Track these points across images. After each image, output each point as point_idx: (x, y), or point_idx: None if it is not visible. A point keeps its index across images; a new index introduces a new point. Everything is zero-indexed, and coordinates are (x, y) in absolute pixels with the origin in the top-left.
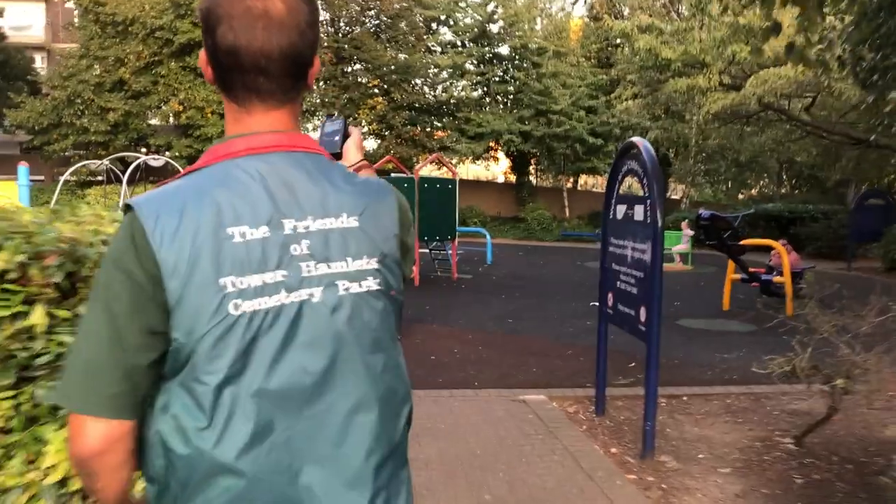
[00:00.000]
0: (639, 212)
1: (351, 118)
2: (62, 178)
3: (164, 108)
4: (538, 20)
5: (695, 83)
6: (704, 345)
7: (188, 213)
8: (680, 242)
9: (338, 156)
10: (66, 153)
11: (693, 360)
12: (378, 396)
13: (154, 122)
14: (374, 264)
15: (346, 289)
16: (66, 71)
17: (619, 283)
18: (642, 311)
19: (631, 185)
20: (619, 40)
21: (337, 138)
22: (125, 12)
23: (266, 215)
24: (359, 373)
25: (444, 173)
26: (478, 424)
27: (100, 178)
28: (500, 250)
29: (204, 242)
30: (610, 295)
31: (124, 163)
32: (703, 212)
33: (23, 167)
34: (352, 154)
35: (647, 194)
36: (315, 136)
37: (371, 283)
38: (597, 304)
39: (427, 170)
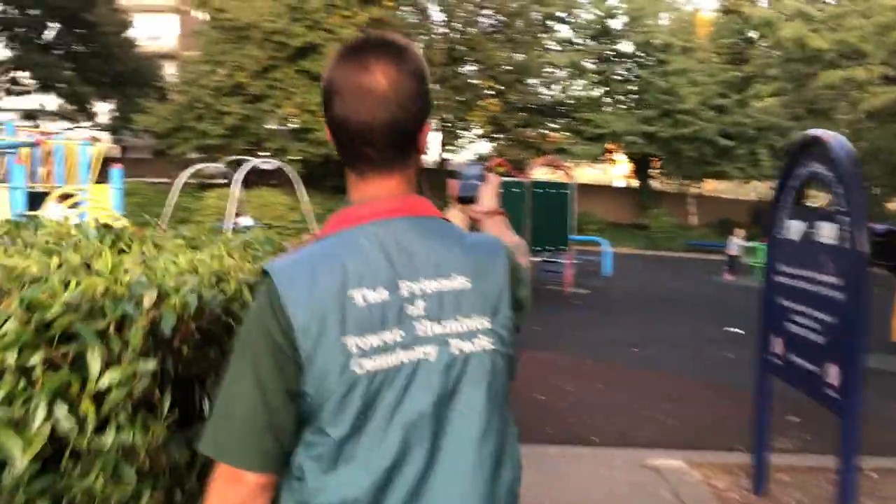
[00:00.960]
0: (827, 232)
1: (461, 132)
2: (178, 182)
3: (279, 112)
4: (664, 14)
5: (851, 75)
6: (887, 392)
7: (318, 278)
8: (760, 255)
9: (473, 200)
10: (190, 156)
11: (875, 414)
12: (489, 453)
13: (270, 126)
14: (486, 323)
15: (460, 348)
16: (188, 76)
17: (792, 325)
18: (832, 371)
19: (812, 194)
20: (757, 31)
21: (476, 183)
22: (243, 17)
23: (385, 278)
24: (471, 430)
25: (558, 177)
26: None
27: (220, 180)
28: (618, 261)
29: (331, 305)
30: (778, 341)
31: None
32: (878, 226)
33: (116, 169)
34: (486, 200)
35: (841, 208)
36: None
37: (483, 342)
38: (734, 329)
39: (540, 173)
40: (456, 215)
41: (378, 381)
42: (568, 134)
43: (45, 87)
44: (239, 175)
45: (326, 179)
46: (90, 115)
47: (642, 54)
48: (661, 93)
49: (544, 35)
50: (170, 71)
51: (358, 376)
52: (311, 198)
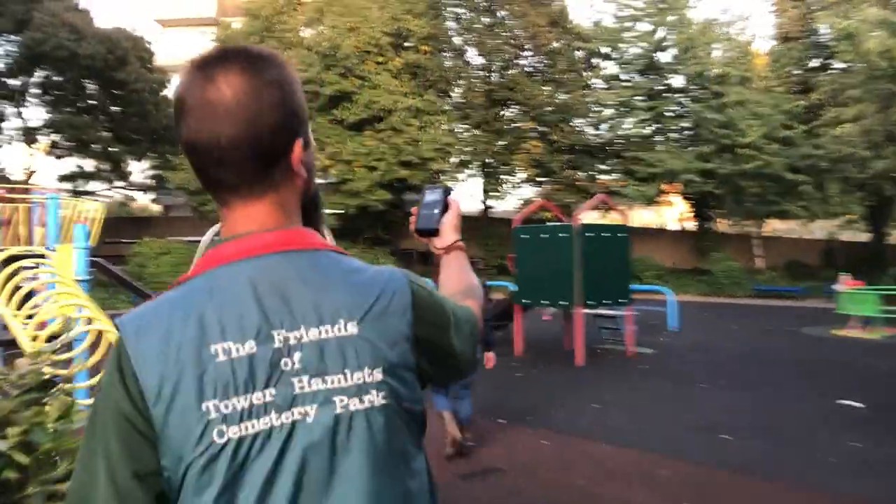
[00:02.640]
0: None
1: (504, 177)
2: (204, 240)
3: None
4: (716, 45)
5: None
6: None
7: (172, 332)
8: (872, 303)
9: (434, 232)
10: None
11: None
12: None
13: None
14: (378, 376)
15: (345, 405)
16: None
17: None
18: None
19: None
20: (829, 49)
21: (436, 211)
22: None
23: (254, 328)
24: (358, 499)
25: (610, 220)
26: None
27: None
28: (682, 310)
29: (187, 363)
30: None
31: None
32: None
33: (80, 225)
34: (447, 232)
35: None
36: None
37: (375, 398)
38: (850, 402)
39: (588, 217)
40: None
41: (245, 450)
42: (618, 175)
43: (80, 149)
44: None
45: (364, 231)
46: (124, 175)
47: (695, 87)
48: (719, 127)
49: (589, 73)
50: None
51: (220, 445)
52: (347, 249)
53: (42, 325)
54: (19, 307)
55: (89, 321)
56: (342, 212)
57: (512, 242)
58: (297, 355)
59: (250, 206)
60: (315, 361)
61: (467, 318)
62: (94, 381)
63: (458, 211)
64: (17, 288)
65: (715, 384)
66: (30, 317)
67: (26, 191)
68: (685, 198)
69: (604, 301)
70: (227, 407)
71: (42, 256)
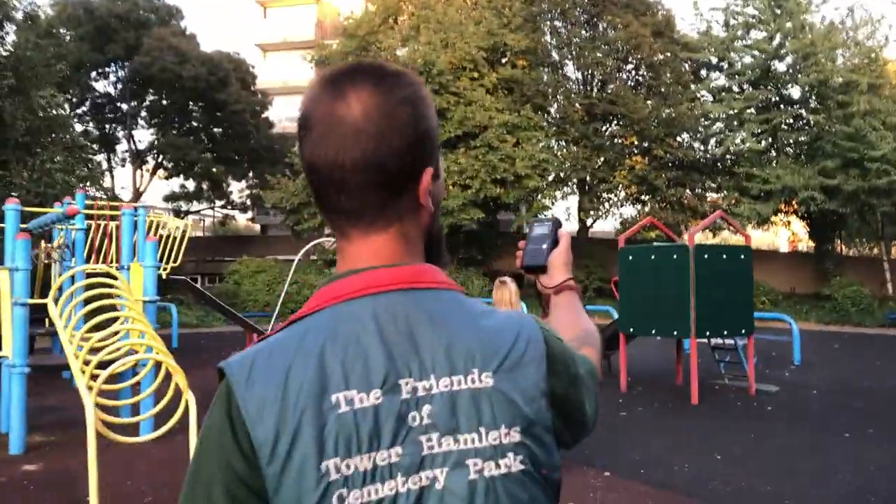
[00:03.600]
0: None
1: (605, 195)
2: (297, 259)
3: None
4: (840, 51)
5: None
6: None
7: (288, 377)
8: None
9: (542, 269)
10: (319, 232)
11: None
12: None
13: None
14: (516, 436)
15: (479, 470)
16: None
17: None
18: None
19: None
20: None
21: (544, 246)
22: None
23: (380, 375)
24: None
25: (722, 241)
26: None
27: None
28: (805, 340)
29: (305, 415)
30: None
31: None
32: None
33: (150, 243)
34: (557, 269)
35: None
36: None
37: (512, 462)
38: None
39: (699, 237)
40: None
41: None
42: (729, 192)
43: (184, 169)
44: None
45: (456, 251)
46: (224, 195)
47: (816, 97)
48: (845, 139)
49: (696, 85)
50: None
51: None
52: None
53: (97, 351)
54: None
55: (148, 349)
56: None
57: (617, 264)
58: (426, 408)
59: (372, 238)
60: (446, 416)
61: (590, 370)
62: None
63: (568, 246)
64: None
65: (862, 433)
66: (91, 341)
67: (115, 208)
68: (802, 217)
69: (722, 332)
70: (349, 467)
71: (110, 276)
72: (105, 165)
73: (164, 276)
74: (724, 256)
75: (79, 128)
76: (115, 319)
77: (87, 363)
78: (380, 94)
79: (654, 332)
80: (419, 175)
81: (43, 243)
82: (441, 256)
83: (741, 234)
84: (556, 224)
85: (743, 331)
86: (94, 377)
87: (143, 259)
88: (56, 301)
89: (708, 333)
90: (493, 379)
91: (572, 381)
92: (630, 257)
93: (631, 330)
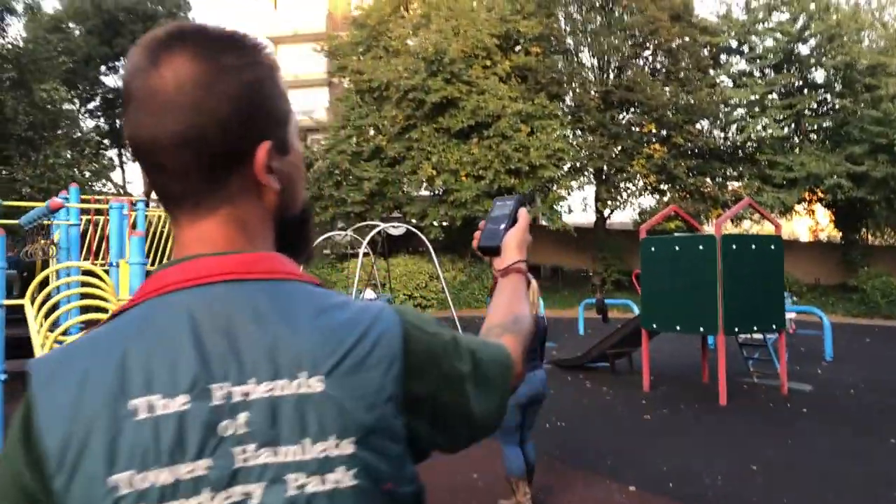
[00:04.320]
0: None
1: (622, 185)
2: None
3: (418, 173)
4: (866, 33)
5: None
6: None
7: (87, 380)
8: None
9: (496, 250)
10: (330, 225)
11: None
12: None
13: (409, 189)
14: (348, 447)
15: (301, 486)
16: (327, 143)
17: None
18: None
19: None
20: None
21: (502, 227)
22: (381, 77)
23: (188, 378)
24: None
25: (743, 231)
26: None
27: (363, 250)
28: (834, 334)
29: (97, 422)
30: None
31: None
32: None
33: (135, 238)
34: (509, 251)
35: None
36: None
37: (342, 477)
38: None
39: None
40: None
41: None
42: (750, 180)
43: None
44: (364, 243)
45: (470, 244)
46: None
47: (842, 80)
48: (872, 123)
49: (716, 70)
50: (316, 142)
51: None
52: (452, 264)
53: None
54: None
55: None
56: (447, 224)
57: (637, 256)
58: (241, 416)
59: (199, 222)
60: (265, 426)
61: (496, 361)
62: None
63: (525, 226)
64: (55, 308)
65: None
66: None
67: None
68: (828, 206)
69: (753, 327)
70: (143, 481)
71: (92, 273)
72: (116, 161)
73: None
74: (754, 247)
75: (90, 123)
76: (95, 322)
77: None
78: (198, 62)
79: (678, 328)
80: (251, 150)
81: (41, 240)
82: (303, 245)
83: (772, 223)
84: (519, 202)
85: (774, 326)
86: None
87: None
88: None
89: (737, 329)
90: (325, 384)
91: (446, 380)
92: (652, 248)
93: (654, 326)
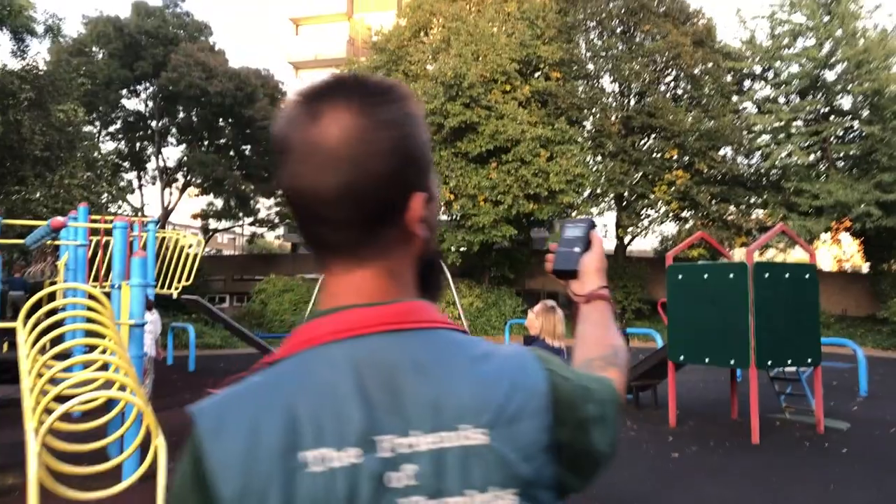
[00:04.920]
0: None
1: (643, 212)
2: (321, 278)
3: None
4: (895, 59)
5: None
6: None
7: (258, 430)
8: None
9: (573, 274)
10: None
11: None
12: None
13: None
14: (509, 499)
15: None
16: None
17: None
18: None
19: None
20: None
21: (576, 249)
22: None
23: (356, 431)
24: None
25: (768, 258)
26: None
27: None
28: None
29: (273, 474)
30: None
31: None
32: None
33: (137, 259)
34: (589, 276)
35: None
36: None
37: None
38: None
39: (740, 253)
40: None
41: None
42: (776, 208)
43: (212, 187)
44: None
45: (488, 269)
46: (252, 212)
47: (870, 107)
48: None
49: (740, 97)
50: None
51: None
52: (469, 290)
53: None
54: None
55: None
56: (465, 249)
57: (658, 284)
58: (408, 468)
59: (354, 272)
60: (432, 478)
61: (610, 398)
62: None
63: (601, 250)
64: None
65: None
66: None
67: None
68: (855, 235)
69: (787, 360)
70: None
71: (91, 297)
72: (136, 183)
73: (174, 296)
74: (787, 275)
75: (111, 146)
76: (93, 347)
77: (44, 393)
78: (359, 116)
79: (707, 360)
80: (406, 202)
81: (49, 259)
82: (437, 283)
83: (806, 251)
84: (591, 225)
85: (809, 360)
86: (48, 411)
87: (139, 278)
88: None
89: (770, 363)
90: (487, 435)
91: (580, 425)
92: (680, 276)
93: (681, 358)
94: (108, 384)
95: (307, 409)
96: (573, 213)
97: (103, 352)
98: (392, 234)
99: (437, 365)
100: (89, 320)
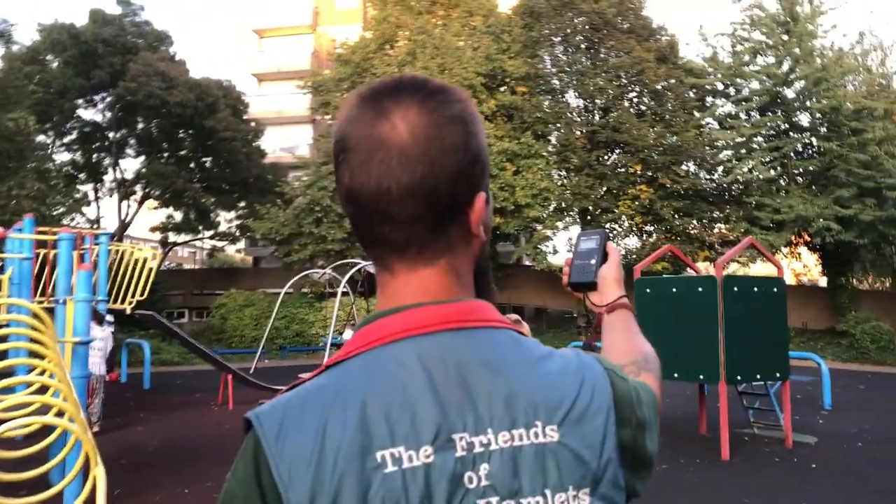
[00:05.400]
0: None
1: (608, 226)
2: (282, 292)
3: None
4: (851, 76)
5: None
6: None
7: (326, 430)
8: None
9: (591, 286)
10: (311, 263)
11: None
12: None
13: None
14: (584, 499)
15: None
16: (308, 179)
17: None
18: None
19: None
20: None
21: (592, 261)
22: None
23: (431, 428)
24: None
25: (729, 272)
26: None
27: (341, 288)
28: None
29: (346, 475)
30: None
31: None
32: None
33: (82, 272)
34: (609, 286)
35: None
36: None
37: None
38: None
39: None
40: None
41: None
42: (735, 223)
43: (171, 199)
44: (343, 281)
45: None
46: (213, 225)
47: (828, 124)
48: (860, 167)
49: (702, 113)
50: (297, 178)
51: None
52: None
53: None
54: None
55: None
56: None
57: (632, 298)
58: (483, 467)
59: (420, 271)
60: (507, 477)
61: (652, 402)
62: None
63: (618, 260)
64: None
65: None
66: None
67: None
68: (814, 249)
69: (756, 375)
70: None
71: (34, 315)
72: (92, 196)
73: (128, 312)
74: (756, 289)
75: (66, 157)
76: (32, 367)
77: None
78: (427, 113)
79: (675, 375)
80: (471, 201)
81: None
82: (490, 289)
83: (774, 264)
84: (605, 237)
85: (778, 374)
86: None
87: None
88: None
89: (739, 378)
90: (559, 433)
91: (639, 426)
92: (647, 290)
93: None
94: (45, 409)
95: (378, 408)
96: (539, 227)
97: (42, 373)
98: (456, 234)
99: (505, 363)
100: (31, 339)
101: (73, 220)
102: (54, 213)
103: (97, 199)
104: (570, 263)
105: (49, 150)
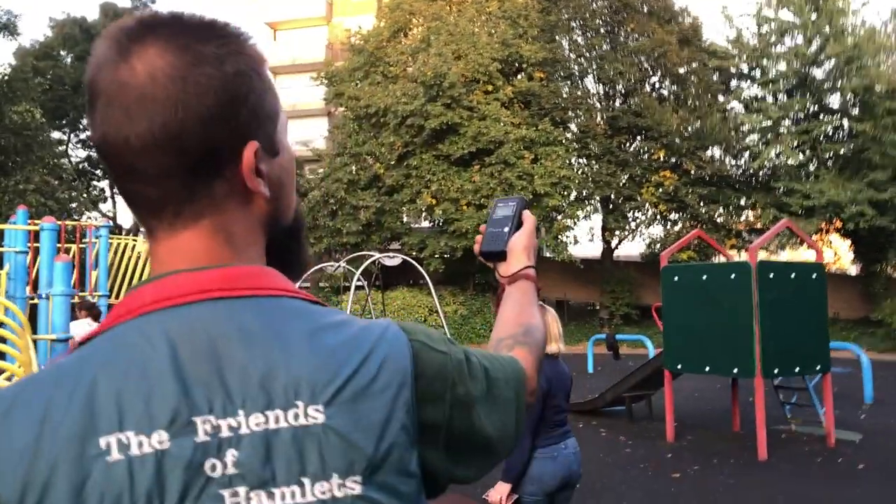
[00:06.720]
0: None
1: (630, 214)
2: (297, 286)
3: (417, 202)
4: (884, 55)
5: None
6: None
7: (50, 415)
8: None
9: (500, 255)
10: (328, 256)
11: None
12: None
13: (407, 219)
14: (355, 487)
15: None
16: (323, 171)
17: None
18: None
19: None
20: None
21: (505, 229)
22: (378, 103)
23: (167, 411)
24: None
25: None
26: None
27: (355, 281)
28: (861, 372)
29: (60, 465)
30: None
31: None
32: None
33: (60, 263)
34: (516, 255)
35: None
36: None
37: None
38: None
39: (738, 253)
40: None
41: None
42: (763, 210)
43: None
44: (357, 274)
45: (472, 276)
46: None
47: (860, 105)
48: (895, 149)
49: (727, 96)
50: (313, 171)
51: None
52: (453, 297)
53: None
54: None
55: None
56: (448, 255)
57: (647, 288)
58: (230, 454)
59: (178, 234)
60: (258, 464)
61: (510, 378)
62: None
63: (532, 229)
64: None
65: None
66: None
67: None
68: (847, 235)
69: (795, 368)
70: None
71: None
72: (108, 192)
73: None
74: (793, 276)
75: (81, 153)
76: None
77: None
78: (174, 52)
79: (707, 369)
80: (237, 151)
81: None
82: (295, 258)
83: (813, 249)
84: (522, 204)
85: (818, 367)
86: None
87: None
88: None
89: (776, 371)
90: (325, 414)
91: (459, 403)
92: (675, 278)
93: (678, 367)
94: None
95: (110, 389)
96: (559, 217)
97: (9, 379)
98: (222, 189)
99: (270, 335)
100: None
101: (84, 215)
102: (68, 208)
103: (113, 195)
104: (484, 231)
105: (66, 146)
